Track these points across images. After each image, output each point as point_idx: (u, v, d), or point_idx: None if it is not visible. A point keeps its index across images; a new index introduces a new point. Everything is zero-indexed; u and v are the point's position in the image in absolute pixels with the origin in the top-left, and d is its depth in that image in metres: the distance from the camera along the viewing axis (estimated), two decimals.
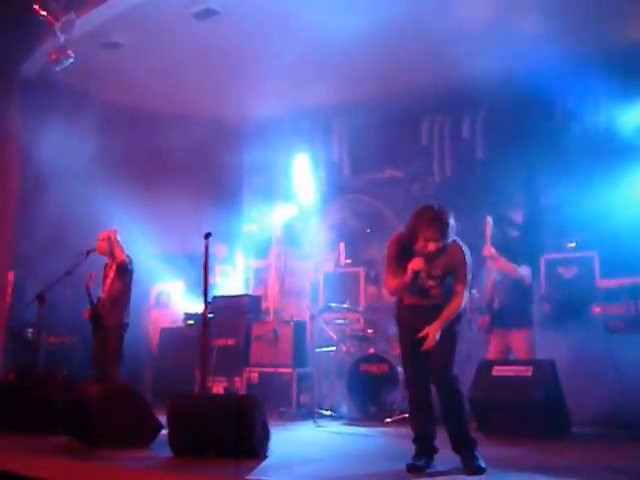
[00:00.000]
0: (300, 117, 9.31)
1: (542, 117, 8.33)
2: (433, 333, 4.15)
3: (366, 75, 7.80)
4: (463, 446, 4.22)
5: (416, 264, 4.16)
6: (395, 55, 7.69)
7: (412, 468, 4.11)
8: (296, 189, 9.86)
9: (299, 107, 9.15)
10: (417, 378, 4.36)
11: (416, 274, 4.17)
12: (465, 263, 4.30)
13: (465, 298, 4.30)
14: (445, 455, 4.25)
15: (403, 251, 4.31)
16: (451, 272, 4.32)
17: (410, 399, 4.43)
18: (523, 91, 8.02)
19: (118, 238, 6.92)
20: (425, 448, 4.26)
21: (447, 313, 4.26)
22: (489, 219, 6.44)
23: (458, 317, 4.36)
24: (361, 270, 9.00)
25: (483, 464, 4.08)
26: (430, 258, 4.22)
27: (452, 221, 4.19)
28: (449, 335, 4.25)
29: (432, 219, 4.15)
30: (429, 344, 4.14)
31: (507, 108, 8.37)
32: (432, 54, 7.74)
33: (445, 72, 8.02)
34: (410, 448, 4.22)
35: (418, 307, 4.39)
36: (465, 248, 4.35)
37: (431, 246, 4.15)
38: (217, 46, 7.81)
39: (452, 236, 4.23)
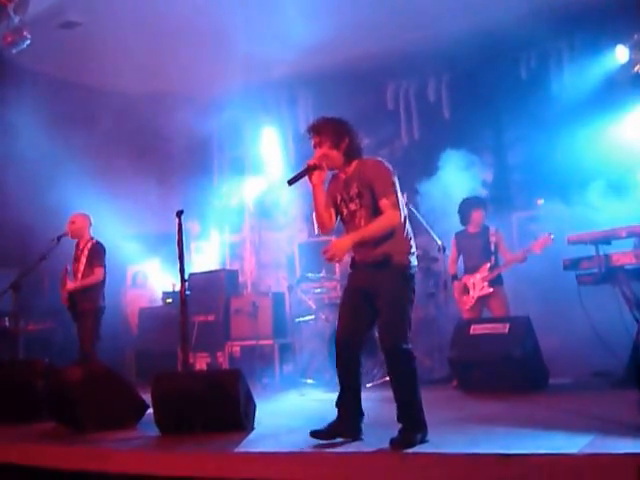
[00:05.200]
0: (265, 89, 9.25)
1: (507, 75, 8.38)
2: None
3: (329, 43, 7.73)
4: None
5: None
6: (357, 21, 7.63)
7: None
8: (266, 161, 9.83)
9: (264, 79, 9.07)
10: None
11: None
12: None
13: None
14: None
15: None
16: None
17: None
18: (487, 50, 8.02)
19: (90, 222, 6.88)
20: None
21: None
22: None
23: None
24: (334, 238, 9.02)
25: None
26: None
27: None
28: None
29: None
30: None
31: (471, 68, 8.40)
32: (393, 18, 7.70)
33: (407, 35, 7.99)
34: (390, 410, 4.25)
35: None
36: None
37: None
38: (178, 20, 7.69)
39: None
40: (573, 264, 5.97)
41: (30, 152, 7.87)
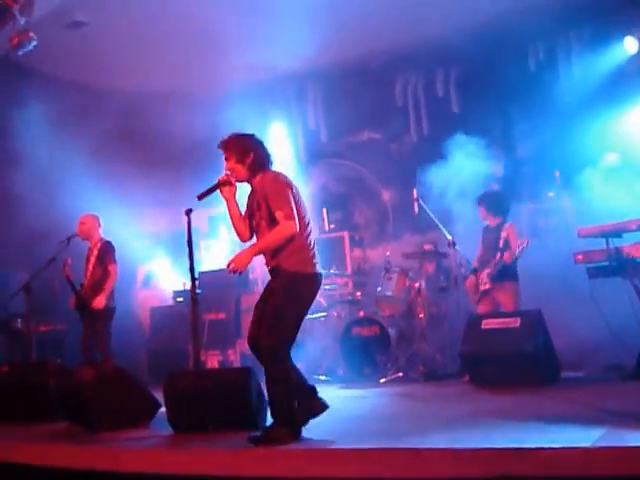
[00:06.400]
0: (274, 84, 9.23)
1: (515, 68, 8.33)
2: None
3: (337, 38, 7.72)
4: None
5: None
6: (365, 16, 7.61)
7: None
8: (275, 158, 9.80)
9: (272, 74, 9.06)
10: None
11: None
12: None
13: None
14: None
15: None
16: None
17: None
18: (495, 43, 7.98)
19: (99, 223, 6.90)
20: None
21: None
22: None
23: None
24: (346, 234, 9.03)
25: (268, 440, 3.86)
26: None
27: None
28: None
29: None
30: None
31: (479, 62, 8.35)
32: (400, 13, 7.67)
33: (415, 30, 7.96)
34: (404, 405, 4.26)
35: None
36: None
37: None
38: (183, 17, 7.67)
39: None
40: (584, 257, 5.94)
41: (38, 154, 7.89)
